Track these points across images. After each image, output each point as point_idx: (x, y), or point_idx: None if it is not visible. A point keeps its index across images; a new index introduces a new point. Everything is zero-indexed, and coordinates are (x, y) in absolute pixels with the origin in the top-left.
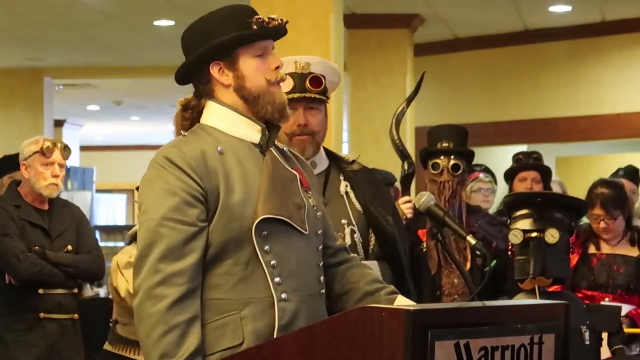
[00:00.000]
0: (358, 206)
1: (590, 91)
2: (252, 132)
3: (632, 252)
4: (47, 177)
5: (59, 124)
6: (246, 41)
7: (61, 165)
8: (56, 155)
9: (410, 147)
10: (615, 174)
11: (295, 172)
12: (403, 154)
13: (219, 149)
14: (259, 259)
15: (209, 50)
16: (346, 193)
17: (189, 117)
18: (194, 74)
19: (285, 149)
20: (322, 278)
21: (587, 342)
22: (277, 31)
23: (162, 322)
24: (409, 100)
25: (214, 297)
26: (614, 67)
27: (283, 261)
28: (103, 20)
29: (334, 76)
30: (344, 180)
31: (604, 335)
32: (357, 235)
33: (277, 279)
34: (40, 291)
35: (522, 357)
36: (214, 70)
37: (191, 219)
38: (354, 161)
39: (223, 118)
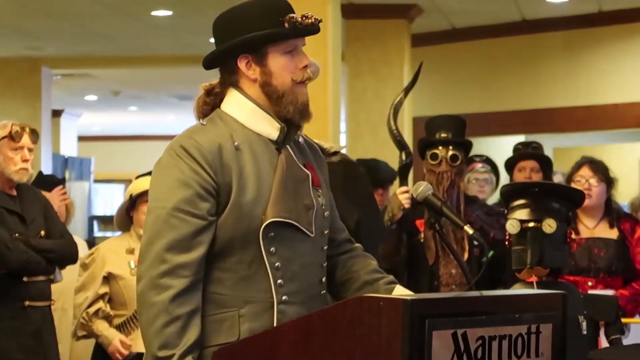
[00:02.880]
0: None
1: (588, 81)
2: (270, 128)
3: (612, 234)
4: (17, 162)
5: (56, 114)
6: (277, 40)
7: (30, 150)
8: (25, 140)
9: (408, 137)
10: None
11: (307, 172)
12: (401, 144)
13: (235, 143)
14: (263, 259)
15: (239, 44)
16: None
17: (210, 102)
18: (222, 61)
19: (301, 140)
20: (324, 279)
21: (585, 332)
22: (310, 30)
23: (165, 313)
24: (407, 91)
25: (215, 291)
26: (611, 57)
27: (287, 264)
28: (101, 10)
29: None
30: None
31: (601, 325)
32: None
33: (279, 281)
34: (25, 279)
35: (519, 347)
36: (242, 64)
37: (202, 212)
38: (336, 152)
39: (243, 110)
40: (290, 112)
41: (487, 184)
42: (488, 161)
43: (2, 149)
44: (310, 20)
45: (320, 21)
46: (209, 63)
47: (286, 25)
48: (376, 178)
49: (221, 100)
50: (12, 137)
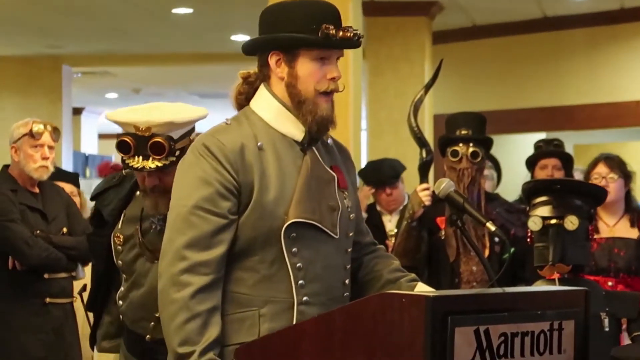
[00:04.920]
0: None
1: (609, 78)
2: (295, 130)
3: (632, 233)
4: (36, 160)
5: (77, 111)
6: (305, 45)
7: (51, 147)
8: (45, 137)
9: (429, 135)
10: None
11: (333, 174)
12: (421, 142)
13: (259, 144)
14: (284, 259)
15: (271, 40)
16: None
17: (245, 91)
18: (256, 53)
19: (330, 141)
20: (347, 281)
21: (607, 329)
22: (345, 43)
23: (185, 309)
24: (427, 88)
25: (236, 290)
26: (633, 54)
27: (309, 264)
28: (122, 8)
29: (186, 126)
30: None
31: (623, 321)
32: None
33: (300, 282)
34: (46, 276)
35: (541, 343)
36: (272, 60)
37: (222, 211)
38: None
39: (270, 109)
40: (307, 121)
41: (487, 180)
42: (488, 157)
43: (23, 146)
44: (348, 34)
45: (361, 36)
46: (246, 51)
47: (319, 34)
48: (377, 179)
49: (255, 90)
50: (32, 134)
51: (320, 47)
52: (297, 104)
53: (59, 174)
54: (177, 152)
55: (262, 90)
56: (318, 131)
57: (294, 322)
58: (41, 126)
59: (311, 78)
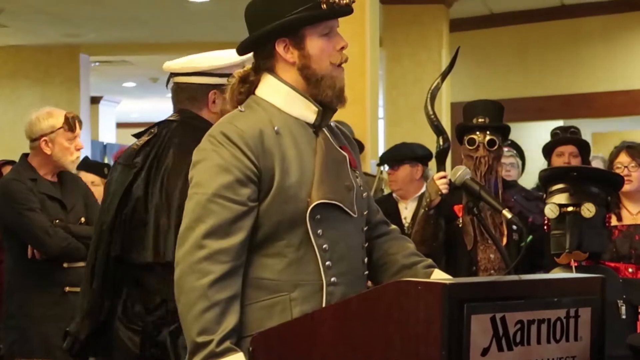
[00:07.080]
0: None
1: (626, 66)
2: (307, 111)
3: None
4: (72, 152)
5: (95, 100)
6: (316, 21)
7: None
8: (78, 128)
9: (446, 123)
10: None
11: (344, 154)
12: (438, 129)
13: (275, 128)
14: (311, 242)
15: (277, 28)
16: None
17: (246, 90)
18: (257, 47)
19: (333, 125)
20: (365, 259)
21: (624, 317)
22: (346, 10)
23: (204, 298)
24: (444, 75)
25: (264, 277)
26: None
27: (334, 245)
28: None
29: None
30: None
31: None
32: None
33: (327, 263)
34: (65, 265)
35: (558, 331)
36: (280, 47)
37: (242, 198)
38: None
39: (279, 94)
40: (328, 95)
41: (513, 168)
42: (513, 145)
43: (57, 138)
44: (345, 1)
45: (353, 1)
46: (243, 49)
47: (324, 6)
48: (382, 157)
49: (255, 87)
50: (70, 126)
51: (327, 19)
52: (314, 82)
53: (87, 164)
54: None
55: (267, 79)
56: (337, 103)
57: (324, 303)
58: (73, 117)
59: (324, 53)
